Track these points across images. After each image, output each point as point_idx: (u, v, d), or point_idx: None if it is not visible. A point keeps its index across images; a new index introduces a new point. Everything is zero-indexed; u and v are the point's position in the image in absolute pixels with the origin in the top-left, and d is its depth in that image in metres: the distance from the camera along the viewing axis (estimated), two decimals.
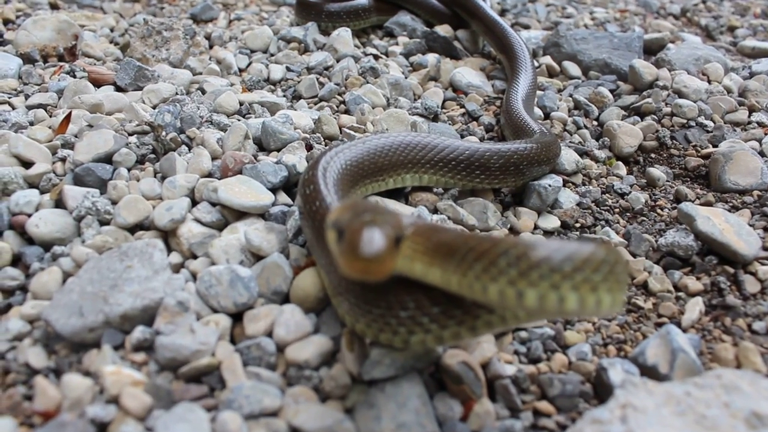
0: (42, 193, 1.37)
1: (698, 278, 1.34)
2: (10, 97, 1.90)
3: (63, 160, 1.46)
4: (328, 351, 1.01)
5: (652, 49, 2.48)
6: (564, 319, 1.21)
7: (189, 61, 2.18)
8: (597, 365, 1.09)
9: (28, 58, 2.20)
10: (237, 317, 1.11)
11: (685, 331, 1.21)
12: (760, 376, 1.01)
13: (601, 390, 1.06)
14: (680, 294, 1.32)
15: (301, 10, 2.53)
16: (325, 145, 1.63)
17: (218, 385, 0.98)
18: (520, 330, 1.16)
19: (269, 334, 1.05)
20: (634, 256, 1.41)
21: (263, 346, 1.01)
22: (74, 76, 2.05)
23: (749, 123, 1.97)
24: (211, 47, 2.43)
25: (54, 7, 2.87)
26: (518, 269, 0.78)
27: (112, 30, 2.58)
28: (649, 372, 1.08)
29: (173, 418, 0.88)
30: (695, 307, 1.26)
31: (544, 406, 1.02)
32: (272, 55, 2.33)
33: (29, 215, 1.30)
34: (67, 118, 1.56)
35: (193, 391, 0.95)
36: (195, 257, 1.23)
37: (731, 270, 1.34)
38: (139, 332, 1.03)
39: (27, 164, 1.43)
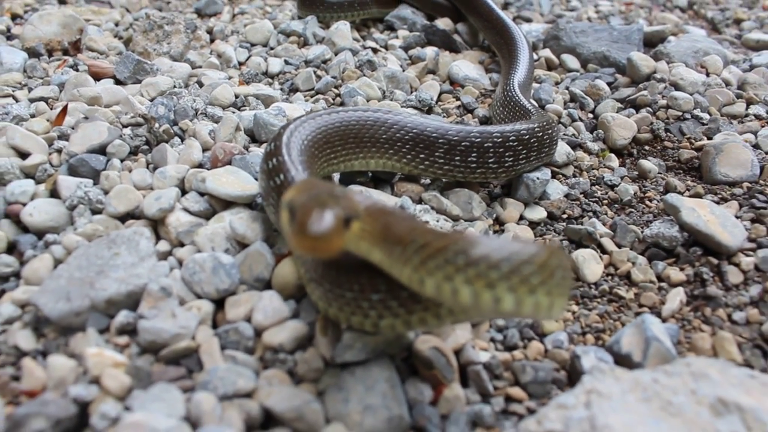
0: (37, 183, 1.41)
1: (681, 269, 1.35)
2: (14, 90, 1.95)
3: (59, 151, 1.50)
4: (303, 335, 1.03)
5: (652, 42, 2.46)
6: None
7: (189, 55, 2.22)
8: (571, 353, 1.10)
9: (33, 52, 2.24)
10: (219, 303, 1.14)
11: (664, 320, 1.23)
12: (730, 364, 1.02)
13: (574, 377, 1.08)
14: (663, 284, 1.33)
15: (303, 2, 2.55)
16: None
17: (196, 368, 1.01)
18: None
19: (249, 319, 1.08)
20: (619, 246, 1.42)
21: (241, 330, 1.04)
22: (77, 70, 2.08)
23: (746, 116, 1.97)
24: (212, 41, 2.45)
25: (62, 2, 2.91)
26: (420, 257, 0.81)
27: (116, 24, 2.61)
28: (623, 360, 1.09)
29: (150, 398, 0.91)
30: (676, 297, 1.26)
31: (515, 392, 1.04)
32: (272, 48, 2.35)
33: (24, 204, 1.33)
34: (64, 111, 1.59)
35: (171, 372, 0.98)
36: (182, 245, 1.26)
37: (715, 261, 1.35)
38: (122, 316, 1.06)
39: (24, 155, 1.47)
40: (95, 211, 1.33)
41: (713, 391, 0.93)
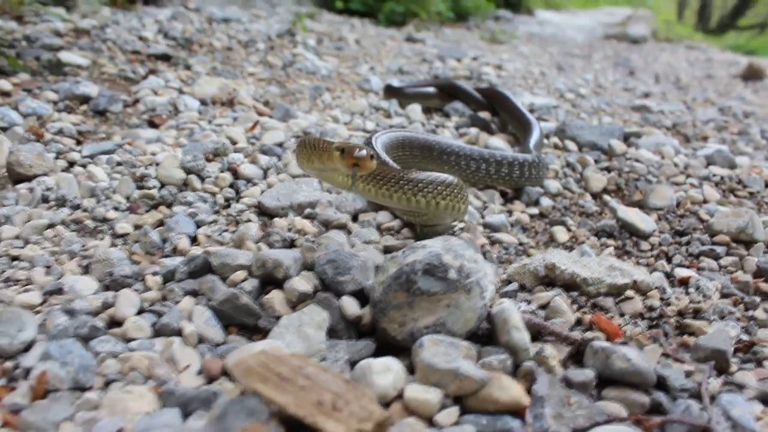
0: (244, 157, 2.43)
1: (615, 242, 2.28)
2: (196, 122, 3.03)
3: (252, 144, 2.54)
4: (402, 225, 2.00)
5: (629, 137, 3.49)
6: (528, 245, 2.17)
7: (312, 114, 3.30)
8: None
9: (202, 102, 3.35)
10: (353, 218, 2.11)
11: None
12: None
13: None
14: (602, 247, 2.25)
15: (387, 91, 3.68)
16: None
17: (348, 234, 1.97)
18: (503, 243, 2.12)
19: (373, 220, 2.05)
20: (579, 228, 2.36)
21: (370, 221, 2.01)
22: (236, 112, 3.17)
23: (684, 183, 2.93)
24: (323, 109, 3.56)
25: (208, 75, 4.09)
26: (390, 184, 1.72)
27: (255, 90, 3.75)
28: None
29: (331, 234, 1.87)
30: (607, 250, 2.19)
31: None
32: (366, 116, 3.43)
33: (238, 165, 2.35)
34: (255, 124, 2.65)
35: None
36: (330, 193, 2.25)
37: (635, 239, 2.28)
38: (307, 210, 2.04)
39: (233, 142, 2.52)
40: (279, 172, 2.34)
41: (609, 263, 1.85)
